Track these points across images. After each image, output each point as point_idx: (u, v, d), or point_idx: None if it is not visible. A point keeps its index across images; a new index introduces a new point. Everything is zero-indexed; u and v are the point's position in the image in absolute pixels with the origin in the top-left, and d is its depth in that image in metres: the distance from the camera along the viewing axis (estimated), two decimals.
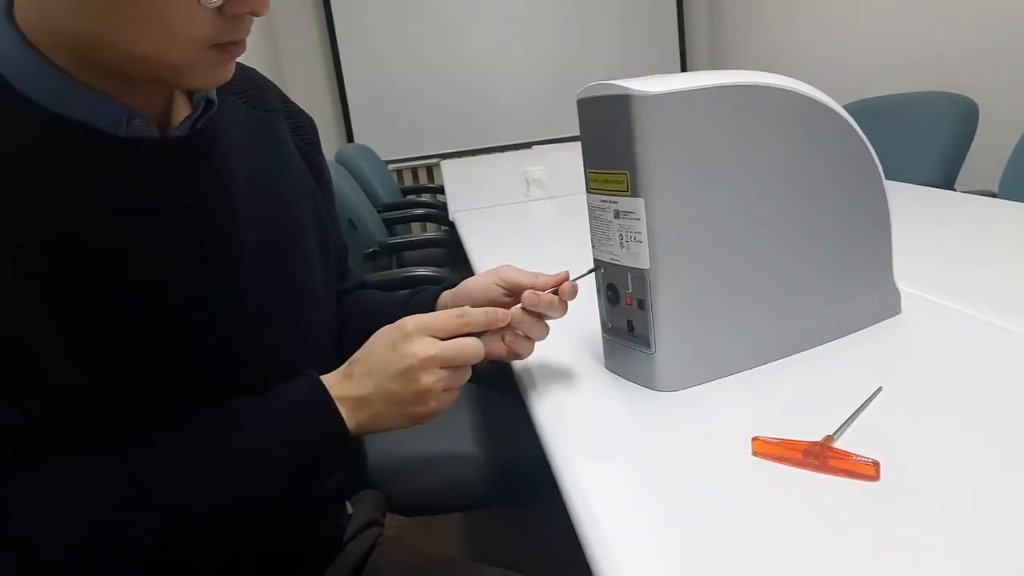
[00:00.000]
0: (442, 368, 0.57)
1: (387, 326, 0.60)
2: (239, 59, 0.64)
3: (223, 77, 0.54)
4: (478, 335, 0.61)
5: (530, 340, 0.65)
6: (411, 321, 0.59)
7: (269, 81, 0.74)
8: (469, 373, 0.60)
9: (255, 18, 0.52)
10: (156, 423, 0.53)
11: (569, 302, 0.66)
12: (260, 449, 0.55)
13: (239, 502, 0.54)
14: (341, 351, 0.62)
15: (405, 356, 0.57)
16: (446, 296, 0.75)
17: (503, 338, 0.64)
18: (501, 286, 0.70)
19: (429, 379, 0.57)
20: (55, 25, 0.49)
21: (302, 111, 0.77)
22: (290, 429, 0.56)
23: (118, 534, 0.49)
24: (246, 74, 0.70)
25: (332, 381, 0.58)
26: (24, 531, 0.46)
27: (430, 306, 0.75)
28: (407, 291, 0.81)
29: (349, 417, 0.57)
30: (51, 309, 0.48)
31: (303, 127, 0.75)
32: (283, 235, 0.66)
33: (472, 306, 0.67)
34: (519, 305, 0.64)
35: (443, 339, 0.58)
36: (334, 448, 0.57)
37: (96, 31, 0.48)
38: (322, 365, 0.60)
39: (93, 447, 0.51)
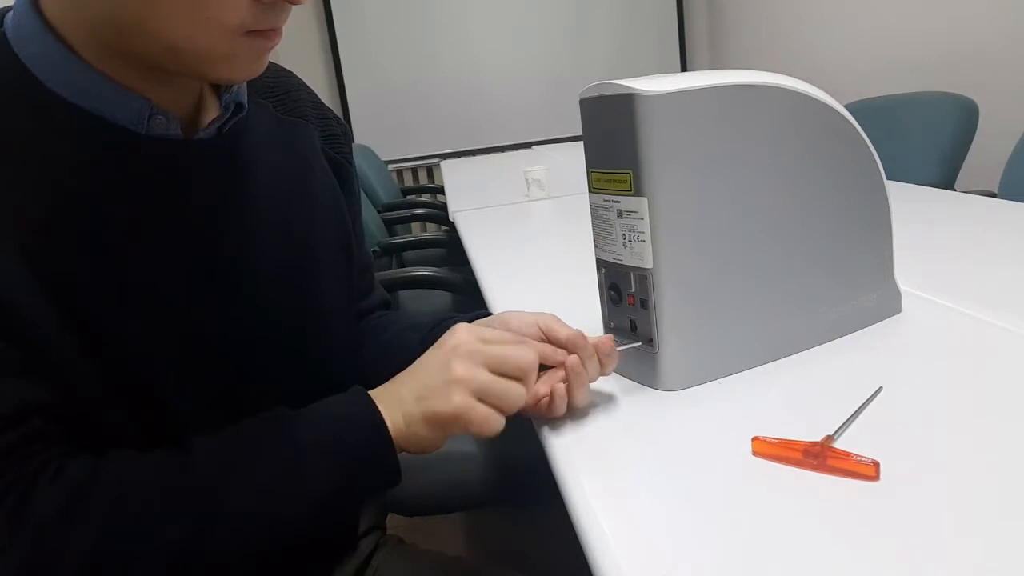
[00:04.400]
0: (485, 369, 0.54)
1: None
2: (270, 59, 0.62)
3: (256, 69, 0.52)
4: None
5: (567, 396, 0.60)
6: (462, 326, 0.57)
7: (304, 84, 0.72)
8: (520, 393, 0.55)
9: (292, 6, 0.50)
10: (167, 435, 0.51)
11: (589, 339, 0.61)
12: (299, 462, 0.51)
13: (272, 514, 0.50)
14: (356, 382, 0.58)
15: (446, 349, 0.55)
16: None
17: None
18: (540, 330, 0.64)
19: (462, 369, 0.53)
20: (81, 12, 0.48)
21: (337, 118, 0.74)
22: (334, 447, 0.52)
23: (139, 537, 0.46)
24: (280, 76, 0.68)
25: (374, 391, 0.56)
26: (46, 521, 0.44)
27: None
28: (426, 323, 0.75)
29: (390, 421, 0.54)
30: (58, 307, 0.47)
31: (335, 136, 0.72)
32: (304, 250, 0.64)
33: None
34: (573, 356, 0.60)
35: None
36: (379, 468, 0.54)
37: (125, 17, 0.46)
38: (336, 389, 0.57)
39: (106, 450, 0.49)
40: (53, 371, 0.47)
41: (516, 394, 0.55)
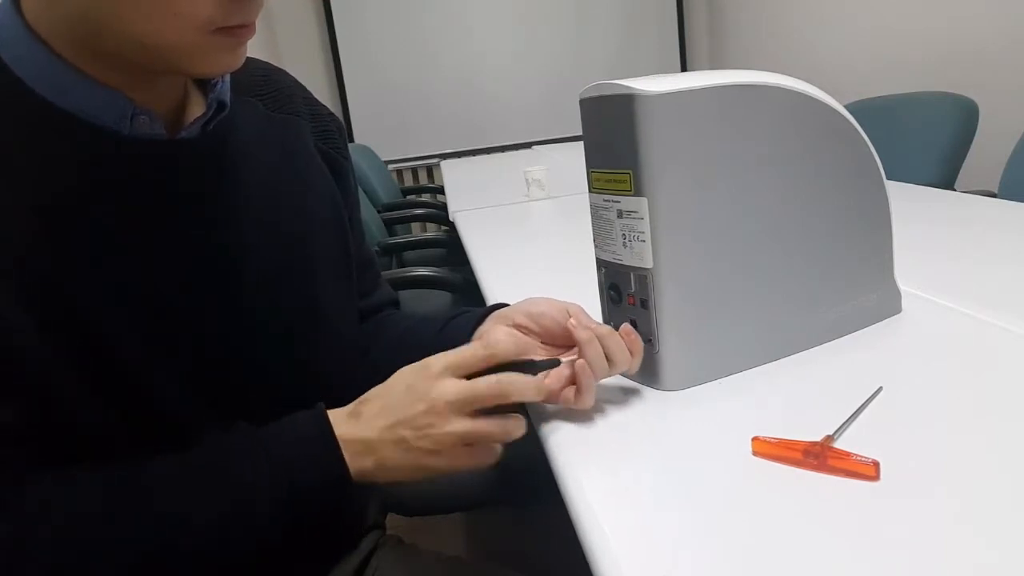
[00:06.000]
0: (466, 416, 0.52)
1: (409, 365, 0.55)
2: (266, 59, 0.62)
3: (232, 63, 0.51)
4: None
5: (590, 389, 0.59)
6: (435, 360, 0.53)
7: (296, 82, 0.71)
8: (508, 429, 0.53)
9: (263, 2, 0.50)
10: (152, 444, 0.51)
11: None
12: (248, 492, 0.51)
13: (221, 541, 0.50)
14: (364, 381, 0.57)
15: (421, 399, 0.52)
16: (506, 314, 0.68)
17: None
18: (569, 316, 0.64)
19: (445, 426, 0.51)
20: (58, 11, 0.48)
21: (330, 114, 0.73)
22: (285, 473, 0.51)
23: (87, 561, 0.47)
24: (270, 74, 0.68)
25: (338, 418, 0.53)
26: None
27: (468, 335, 0.68)
28: (441, 318, 0.73)
29: (351, 461, 0.52)
30: (49, 312, 0.47)
31: (329, 131, 0.71)
32: (302, 248, 0.63)
33: (539, 330, 0.65)
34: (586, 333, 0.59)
35: (470, 377, 0.53)
36: (330, 495, 0.52)
37: (95, 14, 0.46)
38: (336, 390, 0.56)
39: (86, 463, 0.49)
40: (41, 381, 0.47)
41: (495, 454, 0.55)
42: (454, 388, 0.52)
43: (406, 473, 0.53)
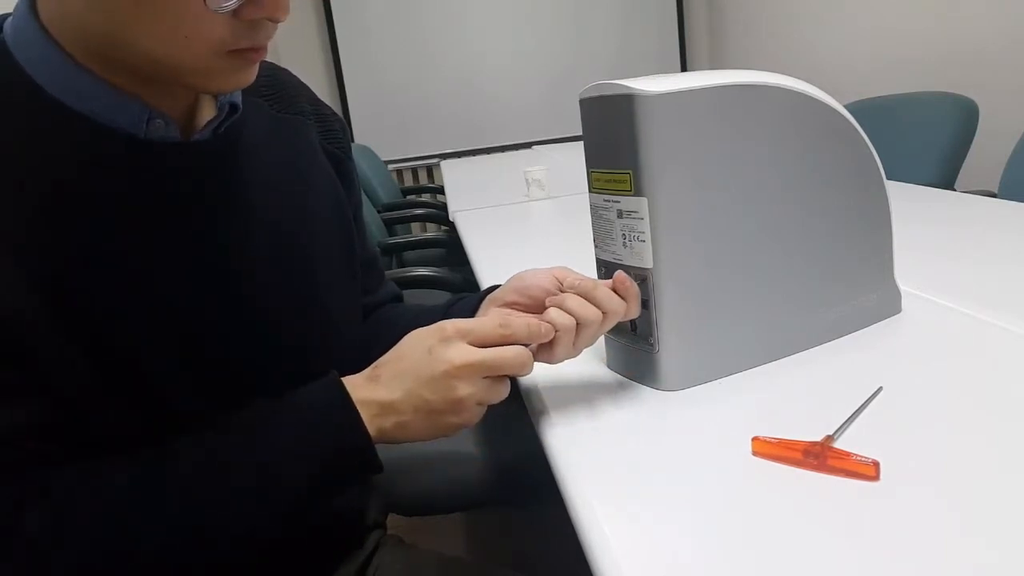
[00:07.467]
0: (481, 378, 0.54)
1: (423, 328, 0.56)
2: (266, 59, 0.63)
3: (244, 81, 0.52)
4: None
5: (572, 342, 0.59)
6: (450, 325, 0.55)
7: (300, 82, 0.72)
8: (508, 388, 0.56)
9: (276, 24, 0.50)
10: (167, 433, 0.52)
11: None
12: (274, 462, 0.52)
13: (249, 517, 0.51)
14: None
15: (441, 361, 0.53)
16: (496, 296, 0.70)
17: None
18: (556, 279, 0.65)
19: (466, 388, 0.53)
20: (73, 22, 0.48)
21: (334, 114, 0.74)
22: (306, 442, 0.52)
23: (122, 546, 0.48)
24: (276, 74, 0.69)
25: (356, 383, 0.55)
26: (34, 535, 0.46)
27: (470, 314, 0.71)
28: (443, 302, 0.76)
29: (370, 423, 0.53)
30: (56, 310, 0.47)
31: (334, 131, 0.72)
32: (303, 247, 0.64)
33: (529, 301, 0.66)
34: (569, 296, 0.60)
35: (483, 347, 0.55)
36: (355, 459, 0.54)
37: (110, 31, 0.47)
38: None
39: (105, 454, 0.50)
40: (51, 378, 0.48)
41: (507, 390, 0.56)
42: (469, 352, 0.54)
43: (425, 432, 0.55)
